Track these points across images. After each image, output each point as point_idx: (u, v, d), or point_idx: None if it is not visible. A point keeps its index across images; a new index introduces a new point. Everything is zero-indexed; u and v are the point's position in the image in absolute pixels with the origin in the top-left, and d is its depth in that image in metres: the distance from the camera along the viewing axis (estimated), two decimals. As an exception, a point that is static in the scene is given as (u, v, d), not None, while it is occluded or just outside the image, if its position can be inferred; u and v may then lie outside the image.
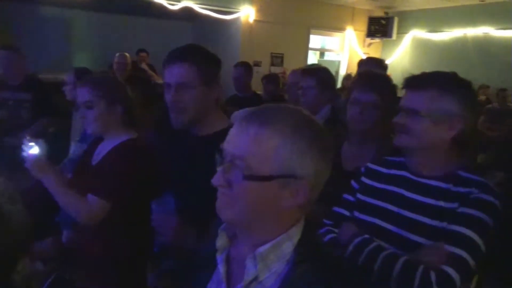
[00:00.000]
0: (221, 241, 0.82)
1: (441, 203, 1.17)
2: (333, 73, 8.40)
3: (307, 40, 7.71)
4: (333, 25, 7.99)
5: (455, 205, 1.15)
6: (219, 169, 0.75)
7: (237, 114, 0.78)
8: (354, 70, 5.61)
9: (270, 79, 4.06)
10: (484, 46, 6.93)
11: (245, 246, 0.78)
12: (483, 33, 6.96)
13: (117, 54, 4.41)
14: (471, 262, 1.07)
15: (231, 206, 0.75)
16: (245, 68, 3.70)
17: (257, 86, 4.26)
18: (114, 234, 1.56)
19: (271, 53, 7.18)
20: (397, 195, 1.27)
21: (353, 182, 1.42)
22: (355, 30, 8.21)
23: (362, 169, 1.43)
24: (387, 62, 3.25)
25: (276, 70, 6.74)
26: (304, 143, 0.72)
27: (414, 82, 1.25)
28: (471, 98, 1.22)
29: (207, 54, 1.42)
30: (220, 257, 0.82)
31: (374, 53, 8.38)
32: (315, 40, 8.62)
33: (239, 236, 0.81)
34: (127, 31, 6.90)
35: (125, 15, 7.01)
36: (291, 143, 0.71)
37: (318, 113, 2.16)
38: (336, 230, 1.31)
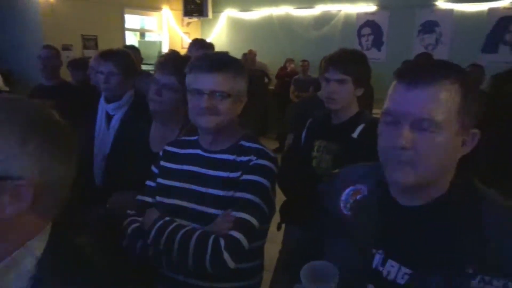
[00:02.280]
0: None
1: (228, 174, 1.26)
2: (155, 53, 8.16)
3: (122, 21, 7.28)
4: (148, 5, 7.74)
5: (239, 173, 1.25)
6: None
7: None
8: (175, 50, 5.56)
9: (77, 65, 3.68)
10: (286, 23, 7.79)
11: None
12: (285, 12, 7.80)
13: None
14: (255, 222, 1.19)
15: None
16: (52, 51, 3.28)
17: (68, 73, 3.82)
18: None
19: (82, 35, 6.53)
20: (192, 173, 1.32)
21: (153, 168, 1.42)
22: (171, 9, 8.14)
23: (160, 152, 1.44)
24: (207, 40, 3.32)
25: (90, 53, 6.19)
26: (13, 139, 0.63)
27: (214, 65, 1.24)
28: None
29: None
30: None
31: (194, 32, 8.51)
32: (134, 21, 8.22)
33: None
34: None
35: None
36: None
37: (122, 99, 2.07)
38: (140, 219, 1.29)
